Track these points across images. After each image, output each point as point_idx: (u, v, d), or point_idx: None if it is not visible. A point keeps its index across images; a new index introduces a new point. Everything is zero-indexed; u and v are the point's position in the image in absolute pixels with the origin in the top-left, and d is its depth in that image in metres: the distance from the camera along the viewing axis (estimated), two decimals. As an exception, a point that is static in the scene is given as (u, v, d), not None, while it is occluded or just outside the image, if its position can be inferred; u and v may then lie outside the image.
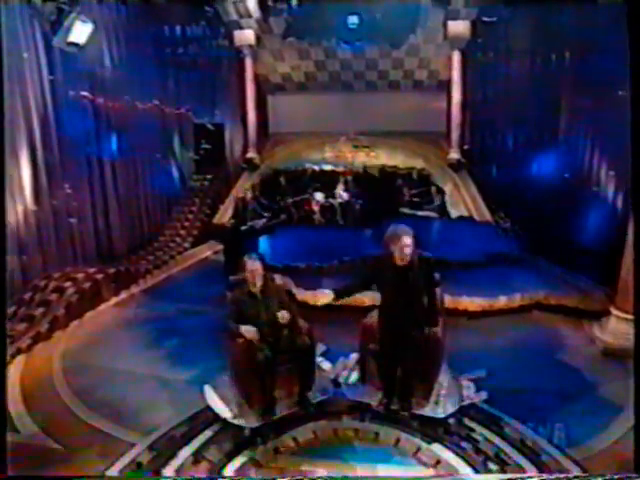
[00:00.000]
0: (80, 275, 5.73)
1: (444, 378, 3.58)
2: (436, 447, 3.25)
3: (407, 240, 3.11)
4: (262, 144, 10.77)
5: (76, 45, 4.50)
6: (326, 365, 3.92)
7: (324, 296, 3.31)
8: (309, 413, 3.46)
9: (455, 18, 8.94)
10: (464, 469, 3.07)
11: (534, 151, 8.75)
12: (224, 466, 3.16)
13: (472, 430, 3.40)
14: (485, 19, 9.01)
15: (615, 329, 4.81)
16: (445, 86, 10.24)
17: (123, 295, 6.18)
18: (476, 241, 7.22)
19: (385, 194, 9.35)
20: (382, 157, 10.12)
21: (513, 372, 4.06)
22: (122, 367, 4.37)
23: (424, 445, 3.26)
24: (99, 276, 5.86)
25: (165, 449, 3.28)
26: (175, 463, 3.18)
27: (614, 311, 4.88)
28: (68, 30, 4.30)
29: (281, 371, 3.36)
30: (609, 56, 6.53)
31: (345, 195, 9.23)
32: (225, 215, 9.21)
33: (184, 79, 9.81)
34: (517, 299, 5.63)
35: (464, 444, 3.27)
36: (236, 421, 3.26)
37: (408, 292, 3.17)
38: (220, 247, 8.16)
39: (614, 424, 3.43)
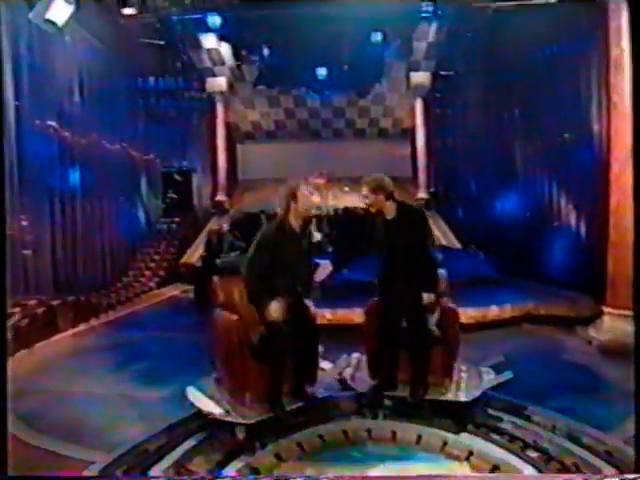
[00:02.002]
0: (32, 302, 5.03)
1: (462, 363, 3.23)
2: (465, 437, 2.79)
3: (364, 191, 3.04)
4: (231, 189, 10.67)
5: (54, 24, 4.25)
6: (326, 365, 3.45)
7: (325, 268, 3.03)
8: (314, 409, 2.94)
9: (417, 69, 9.69)
10: (504, 457, 2.62)
11: (496, 192, 9.25)
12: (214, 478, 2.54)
13: (499, 419, 2.99)
14: (443, 72, 9.86)
15: (611, 327, 4.71)
16: (409, 134, 10.80)
17: (82, 327, 5.45)
18: (455, 265, 7.18)
19: (358, 234, 9.29)
20: (353, 200, 10.21)
21: (522, 373, 3.74)
22: (80, 389, 3.69)
23: (451, 437, 2.80)
24: (55, 302, 5.17)
25: (136, 464, 2.62)
26: (151, 477, 2.53)
27: (607, 309, 4.81)
28: (48, 5, 4.08)
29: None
30: (555, 103, 7.23)
31: (318, 235, 9.08)
32: (193, 256, 8.76)
33: (154, 127, 9.84)
34: (508, 309, 5.58)
35: (494, 433, 2.84)
36: (229, 418, 2.69)
37: (399, 245, 2.98)
38: (187, 287, 7.66)
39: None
